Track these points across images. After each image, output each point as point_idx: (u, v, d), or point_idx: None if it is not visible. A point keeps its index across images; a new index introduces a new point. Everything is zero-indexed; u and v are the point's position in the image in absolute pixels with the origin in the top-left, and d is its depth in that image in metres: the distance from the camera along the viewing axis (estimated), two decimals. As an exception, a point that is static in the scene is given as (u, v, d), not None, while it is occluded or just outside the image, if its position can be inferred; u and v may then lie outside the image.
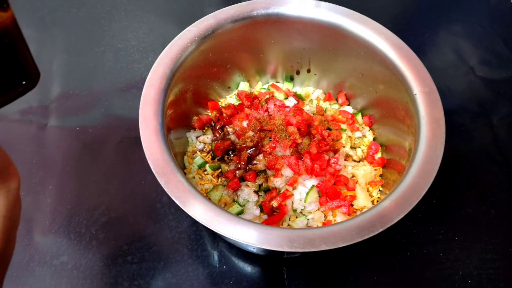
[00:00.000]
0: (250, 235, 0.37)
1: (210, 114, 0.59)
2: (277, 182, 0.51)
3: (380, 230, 0.37)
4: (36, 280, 0.51)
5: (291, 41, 0.56)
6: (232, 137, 0.55)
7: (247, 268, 0.52)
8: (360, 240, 0.37)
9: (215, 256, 0.52)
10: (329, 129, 0.55)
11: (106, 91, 0.65)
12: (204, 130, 0.58)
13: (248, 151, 0.53)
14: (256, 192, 0.52)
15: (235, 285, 0.51)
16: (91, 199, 0.55)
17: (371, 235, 0.37)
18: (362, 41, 0.51)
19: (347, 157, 0.55)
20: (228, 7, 0.52)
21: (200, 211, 0.38)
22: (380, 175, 0.54)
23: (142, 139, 0.42)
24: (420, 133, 0.44)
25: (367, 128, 0.59)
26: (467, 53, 0.73)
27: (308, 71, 0.61)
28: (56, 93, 0.65)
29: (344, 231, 0.37)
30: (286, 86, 0.62)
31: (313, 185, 0.50)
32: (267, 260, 0.53)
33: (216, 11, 0.51)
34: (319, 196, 0.51)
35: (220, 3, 0.76)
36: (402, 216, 0.38)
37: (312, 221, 0.50)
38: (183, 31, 0.50)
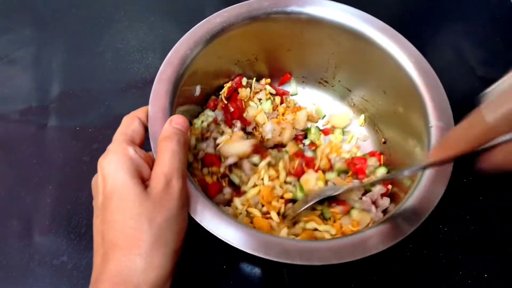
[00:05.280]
0: (229, 234, 0.37)
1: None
2: None
3: (359, 257, 0.37)
4: (36, 280, 0.51)
5: (321, 45, 0.56)
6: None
7: (247, 268, 0.52)
8: (337, 262, 0.37)
9: (215, 255, 0.52)
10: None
11: (106, 91, 0.65)
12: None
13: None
14: None
15: (235, 285, 0.51)
16: (91, 199, 0.55)
17: (350, 259, 0.37)
18: (391, 60, 0.50)
19: None
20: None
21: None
22: None
23: (149, 116, 0.42)
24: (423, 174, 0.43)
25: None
26: (467, 53, 0.73)
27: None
28: (56, 93, 0.65)
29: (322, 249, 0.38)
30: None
31: None
32: (268, 260, 0.53)
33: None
34: None
35: (220, 3, 0.76)
36: (383, 249, 0.39)
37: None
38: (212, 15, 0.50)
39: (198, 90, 0.54)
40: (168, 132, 0.38)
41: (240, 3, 0.51)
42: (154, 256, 0.33)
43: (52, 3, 0.76)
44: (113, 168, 0.35)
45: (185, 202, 0.37)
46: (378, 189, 0.50)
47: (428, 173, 0.43)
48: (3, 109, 0.63)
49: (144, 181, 0.36)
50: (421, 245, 0.54)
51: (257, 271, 0.52)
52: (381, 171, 0.54)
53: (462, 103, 0.70)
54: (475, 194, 0.58)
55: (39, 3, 0.76)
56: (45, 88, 0.65)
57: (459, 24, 0.77)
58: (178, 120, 0.40)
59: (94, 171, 0.39)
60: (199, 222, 0.38)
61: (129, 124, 0.40)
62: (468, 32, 0.76)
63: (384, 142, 0.57)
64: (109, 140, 0.40)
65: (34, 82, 0.66)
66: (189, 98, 0.52)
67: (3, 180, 0.57)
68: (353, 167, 0.54)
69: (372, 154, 0.56)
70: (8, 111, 0.63)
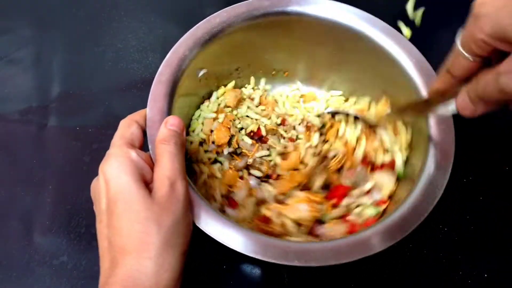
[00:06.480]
0: (226, 235, 0.38)
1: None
2: None
3: (357, 258, 0.37)
4: (36, 280, 0.51)
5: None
6: None
7: (247, 268, 0.52)
8: (335, 263, 0.37)
9: (215, 255, 0.52)
10: None
11: (106, 91, 0.65)
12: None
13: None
14: None
15: (235, 285, 0.51)
16: (91, 199, 0.55)
17: (348, 260, 0.37)
18: (392, 60, 0.50)
19: None
20: None
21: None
22: None
23: (147, 119, 0.42)
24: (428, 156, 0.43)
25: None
26: (467, 53, 0.73)
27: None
28: (56, 93, 0.65)
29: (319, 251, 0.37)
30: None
31: None
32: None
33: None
34: None
35: (220, 3, 0.76)
36: (382, 249, 0.38)
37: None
38: (210, 16, 0.50)
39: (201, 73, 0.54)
40: (164, 134, 0.39)
41: (240, 3, 0.51)
42: (164, 258, 0.33)
43: (52, 3, 0.76)
44: (116, 172, 0.35)
45: (189, 204, 0.37)
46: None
47: (428, 172, 0.43)
48: (3, 109, 0.63)
49: (147, 184, 0.36)
50: (421, 245, 0.54)
51: (257, 271, 0.52)
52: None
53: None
54: (475, 194, 0.58)
55: (39, 3, 0.76)
56: (45, 88, 0.65)
57: (460, 24, 0.77)
58: (173, 122, 0.40)
59: (95, 171, 0.39)
60: (195, 223, 0.38)
61: (127, 128, 0.40)
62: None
63: None
64: (109, 140, 0.40)
65: (34, 82, 0.66)
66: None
67: (3, 180, 0.57)
68: None
69: None
70: (8, 111, 0.63)
